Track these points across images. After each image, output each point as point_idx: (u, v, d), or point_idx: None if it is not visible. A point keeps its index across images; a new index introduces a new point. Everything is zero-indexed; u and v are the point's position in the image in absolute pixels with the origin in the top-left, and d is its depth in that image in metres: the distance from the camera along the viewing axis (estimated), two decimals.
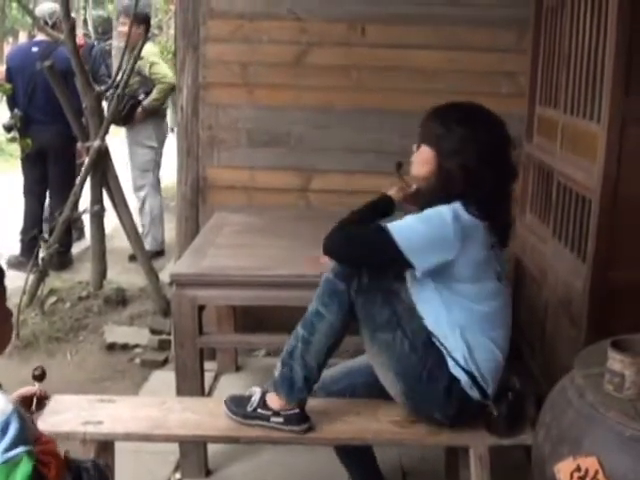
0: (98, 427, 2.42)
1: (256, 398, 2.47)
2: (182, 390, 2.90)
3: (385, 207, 2.58)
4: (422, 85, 3.86)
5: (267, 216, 3.86)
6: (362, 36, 3.98)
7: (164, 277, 4.78)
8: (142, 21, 5.98)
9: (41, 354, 4.29)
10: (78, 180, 4.88)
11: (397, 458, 3.20)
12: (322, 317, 2.41)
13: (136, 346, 4.39)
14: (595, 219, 2.87)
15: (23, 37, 11.22)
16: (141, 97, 5.92)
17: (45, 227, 5.71)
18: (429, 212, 2.35)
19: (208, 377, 3.48)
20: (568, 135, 3.36)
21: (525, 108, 4.00)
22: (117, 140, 6.29)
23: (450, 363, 2.37)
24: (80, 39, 4.89)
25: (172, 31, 8.75)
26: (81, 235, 6.47)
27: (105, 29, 9.70)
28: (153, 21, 15.83)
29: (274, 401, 2.45)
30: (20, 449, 1.51)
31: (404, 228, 2.33)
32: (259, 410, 2.45)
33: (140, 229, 6.10)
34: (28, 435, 1.58)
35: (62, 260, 5.57)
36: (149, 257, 5.89)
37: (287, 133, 4.10)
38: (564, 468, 1.94)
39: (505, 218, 2.48)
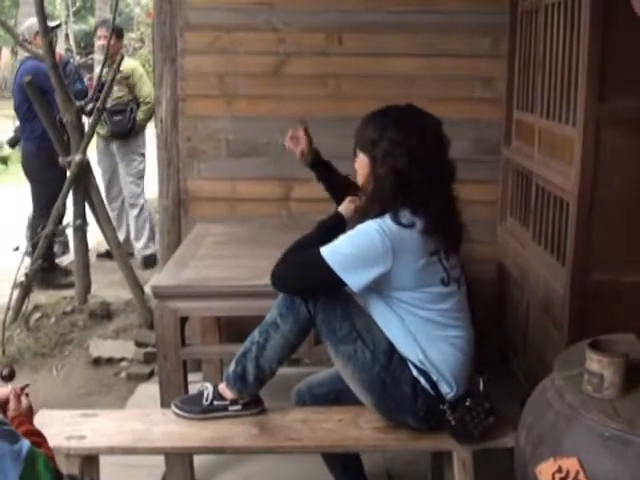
0: (81, 442, 2.42)
1: (209, 392, 2.57)
2: (166, 402, 2.88)
3: (336, 224, 2.56)
4: (400, 92, 3.85)
5: (249, 226, 3.87)
6: (339, 45, 4.00)
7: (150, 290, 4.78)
8: (121, 33, 6.00)
9: (27, 370, 4.27)
10: (60, 195, 4.86)
11: (383, 462, 3.21)
12: (277, 328, 2.45)
13: (122, 360, 4.38)
14: (573, 221, 2.90)
15: (6, 54, 11.16)
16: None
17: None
18: (357, 229, 2.36)
19: (193, 389, 3.46)
20: (545, 139, 3.39)
21: (503, 113, 4.02)
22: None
23: (410, 366, 2.39)
24: (57, 55, 4.87)
25: None
26: (65, 249, 6.44)
27: (87, 43, 9.69)
28: (135, 34, 15.88)
29: (228, 392, 2.55)
30: (25, 445, 1.54)
31: (335, 250, 2.34)
32: (216, 402, 2.56)
33: (120, 232, 6.10)
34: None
35: (46, 276, 5.53)
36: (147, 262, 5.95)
37: (267, 143, 4.10)
38: (545, 469, 1.95)
39: (448, 222, 2.39)
